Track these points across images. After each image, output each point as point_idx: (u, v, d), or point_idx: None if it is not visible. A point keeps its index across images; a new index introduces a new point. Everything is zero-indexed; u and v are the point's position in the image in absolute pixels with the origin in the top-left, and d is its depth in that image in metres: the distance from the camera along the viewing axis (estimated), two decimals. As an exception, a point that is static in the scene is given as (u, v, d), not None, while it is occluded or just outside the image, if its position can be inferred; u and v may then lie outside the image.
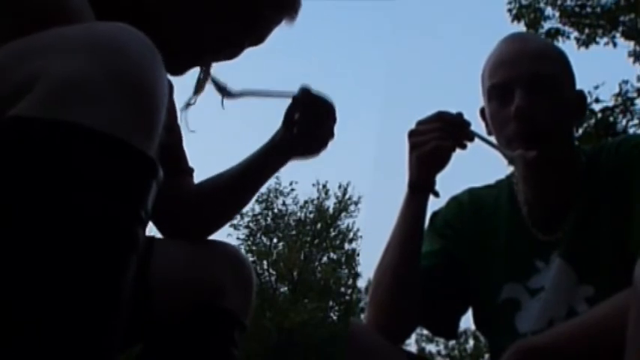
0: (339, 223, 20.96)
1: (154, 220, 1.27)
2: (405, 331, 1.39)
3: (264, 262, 20.28)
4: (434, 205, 1.43)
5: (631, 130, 8.65)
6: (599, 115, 8.58)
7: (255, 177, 1.30)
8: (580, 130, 8.18)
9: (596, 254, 1.27)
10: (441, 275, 1.38)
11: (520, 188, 1.39)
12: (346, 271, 20.94)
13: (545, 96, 1.28)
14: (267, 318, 18.40)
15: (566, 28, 9.44)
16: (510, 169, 1.44)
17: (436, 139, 1.26)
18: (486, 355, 2.47)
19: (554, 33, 9.34)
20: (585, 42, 9.42)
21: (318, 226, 20.81)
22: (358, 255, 20.84)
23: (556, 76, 1.32)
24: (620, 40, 9.46)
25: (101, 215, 0.61)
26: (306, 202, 20.98)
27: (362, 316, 7.74)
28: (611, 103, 8.83)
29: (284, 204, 20.99)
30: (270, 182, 18.42)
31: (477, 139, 1.29)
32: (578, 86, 1.38)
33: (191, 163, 1.33)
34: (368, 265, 24.19)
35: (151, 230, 1.29)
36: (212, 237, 1.31)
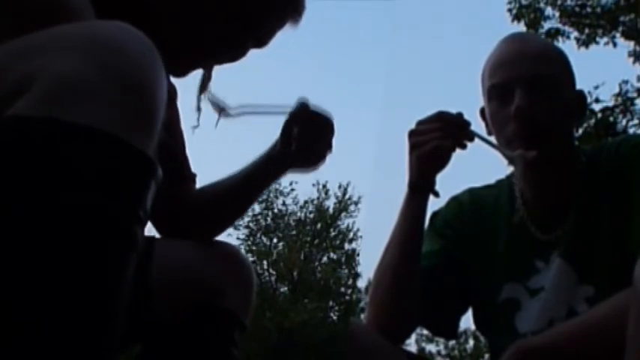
0: (339, 223, 20.98)
1: (154, 223, 1.27)
2: (405, 331, 1.39)
3: (264, 262, 20.28)
4: (434, 205, 1.43)
5: (631, 130, 8.65)
6: (599, 115, 8.58)
7: (253, 189, 1.32)
8: (580, 130, 8.18)
9: (596, 254, 1.27)
10: (441, 275, 1.38)
11: (520, 188, 1.39)
12: (346, 271, 20.96)
13: (545, 96, 1.28)
14: (267, 318, 18.40)
15: (566, 28, 9.44)
16: (510, 169, 1.44)
17: (436, 139, 1.26)
18: (486, 355, 2.47)
19: (554, 33, 9.34)
20: (585, 42, 9.43)
21: (318, 226, 20.81)
22: (358, 255, 20.88)
23: (556, 76, 1.32)
24: (620, 40, 9.46)
25: (100, 215, 0.61)
26: (306, 202, 21.01)
27: (362, 316, 7.74)
28: (611, 103, 8.83)
29: (284, 204, 21.01)
30: (270, 182, 18.39)
31: (477, 139, 1.29)
32: (578, 86, 1.38)
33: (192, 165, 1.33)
34: (368, 265, 24.21)
35: (150, 230, 1.30)
36: (212, 237, 1.32)
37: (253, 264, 11.91)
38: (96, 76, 0.63)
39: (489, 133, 1.36)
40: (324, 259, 20.98)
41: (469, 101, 1.57)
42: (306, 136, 1.23)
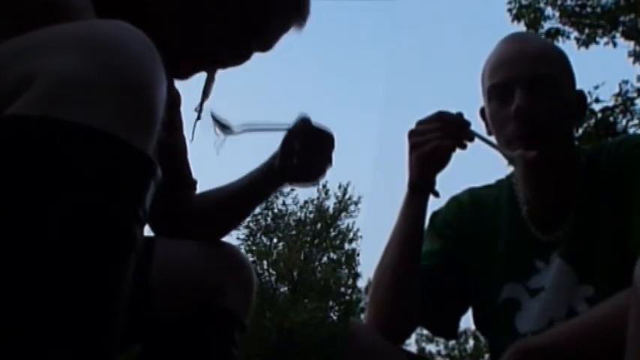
0: (339, 223, 20.97)
1: (152, 226, 1.28)
2: (405, 331, 1.39)
3: (264, 262, 20.28)
4: (434, 205, 1.43)
5: (631, 130, 8.65)
6: (599, 115, 8.57)
7: (251, 199, 1.34)
8: (580, 130, 8.17)
9: (596, 254, 1.27)
10: (441, 275, 1.38)
11: (520, 188, 1.39)
12: (346, 271, 20.95)
13: (545, 96, 1.28)
14: (267, 318, 18.40)
15: (566, 28, 9.44)
16: (510, 169, 1.44)
17: (436, 139, 1.26)
18: (486, 355, 2.47)
19: (554, 33, 9.34)
20: (585, 42, 9.42)
21: (318, 226, 20.81)
22: (358, 255, 20.87)
23: (556, 76, 1.32)
24: (620, 40, 9.46)
25: (100, 214, 0.61)
26: (306, 202, 21.01)
27: (362, 316, 7.74)
28: (611, 103, 8.83)
29: (284, 204, 21.01)
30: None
31: (477, 139, 1.29)
32: (578, 86, 1.38)
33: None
34: (368, 265, 24.19)
35: (150, 230, 1.30)
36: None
37: (253, 264, 11.91)
38: (96, 76, 0.63)
39: (489, 133, 1.36)
40: (324, 259, 20.98)
41: (469, 101, 1.57)
42: (307, 150, 1.23)
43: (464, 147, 1.28)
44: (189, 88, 1.21)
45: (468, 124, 1.28)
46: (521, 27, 9.27)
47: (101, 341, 0.61)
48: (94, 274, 0.61)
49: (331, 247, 20.96)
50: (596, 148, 1.36)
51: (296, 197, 20.95)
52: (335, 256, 20.98)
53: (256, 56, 1.16)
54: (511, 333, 1.31)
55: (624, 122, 8.83)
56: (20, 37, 0.68)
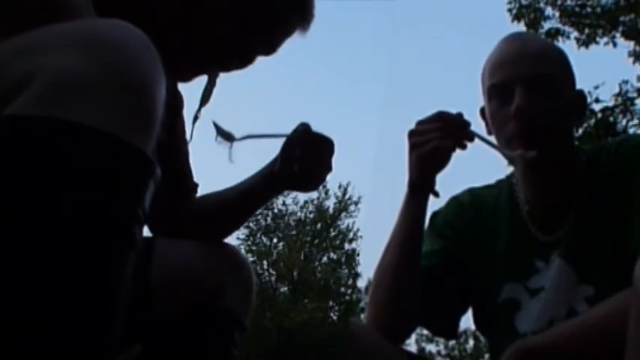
0: (339, 223, 20.98)
1: (151, 229, 1.28)
2: (405, 331, 1.39)
3: (264, 262, 20.28)
4: (434, 205, 1.43)
5: (631, 130, 8.65)
6: (599, 115, 8.57)
7: (251, 204, 1.33)
8: (580, 130, 8.17)
9: (596, 254, 1.27)
10: (441, 275, 1.38)
11: (520, 188, 1.39)
12: (346, 271, 20.96)
13: (545, 96, 1.28)
14: (267, 318, 18.40)
15: (566, 28, 9.44)
16: (510, 169, 1.44)
17: (436, 139, 1.26)
18: (486, 355, 2.47)
19: (554, 33, 9.34)
20: (585, 42, 9.42)
21: (318, 226, 20.81)
22: (358, 255, 20.88)
23: (556, 76, 1.32)
24: (620, 40, 9.46)
25: (99, 214, 0.61)
26: (306, 202, 21.01)
27: (362, 316, 7.74)
28: (611, 103, 8.83)
29: (284, 204, 21.01)
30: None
31: (477, 139, 1.29)
32: (578, 86, 1.38)
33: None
34: (368, 265, 24.21)
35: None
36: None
37: (253, 264, 11.92)
38: (95, 75, 0.63)
39: (489, 133, 1.36)
40: (324, 259, 20.99)
41: (469, 101, 1.57)
42: (307, 157, 1.23)
43: (464, 147, 1.28)
44: (192, 92, 1.21)
45: (468, 124, 1.28)
46: (521, 27, 9.28)
47: (101, 341, 0.61)
48: (93, 274, 0.61)
49: (331, 247, 20.96)
50: (596, 148, 1.36)
51: (296, 197, 20.97)
52: (335, 256, 20.99)
53: (258, 58, 1.16)
54: (511, 333, 1.31)
55: (624, 122, 8.84)
56: (20, 37, 0.68)
